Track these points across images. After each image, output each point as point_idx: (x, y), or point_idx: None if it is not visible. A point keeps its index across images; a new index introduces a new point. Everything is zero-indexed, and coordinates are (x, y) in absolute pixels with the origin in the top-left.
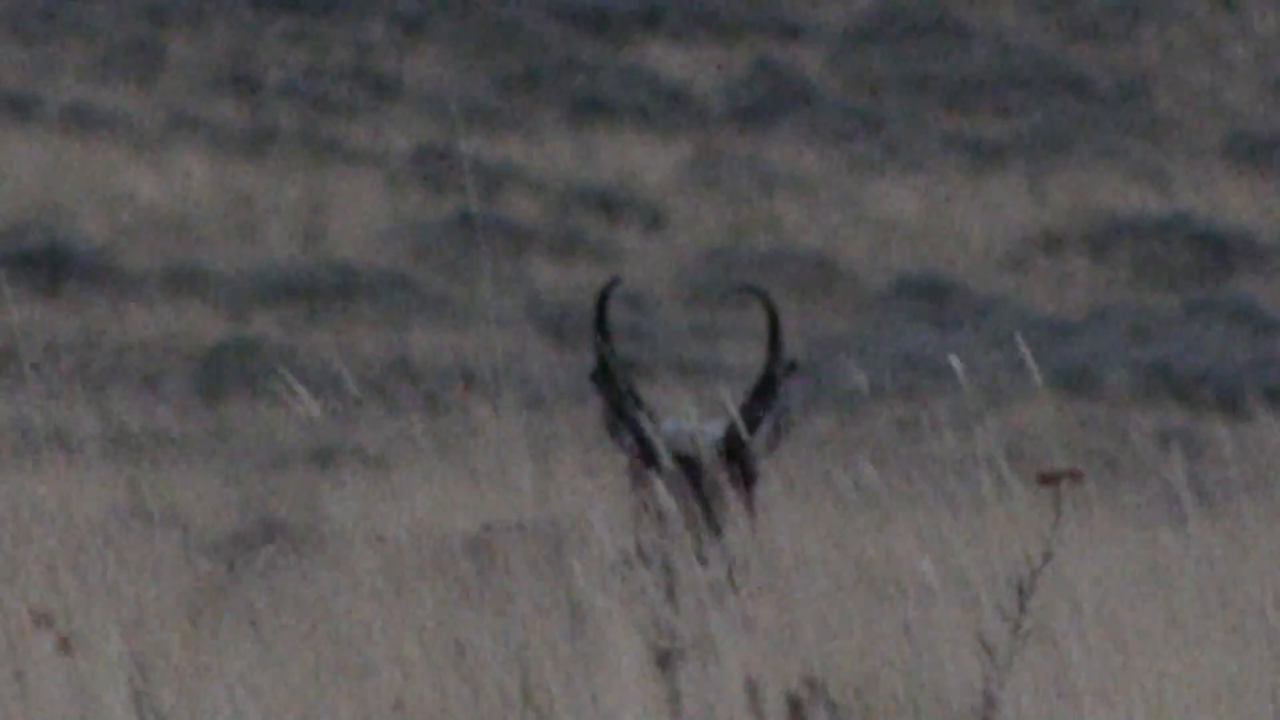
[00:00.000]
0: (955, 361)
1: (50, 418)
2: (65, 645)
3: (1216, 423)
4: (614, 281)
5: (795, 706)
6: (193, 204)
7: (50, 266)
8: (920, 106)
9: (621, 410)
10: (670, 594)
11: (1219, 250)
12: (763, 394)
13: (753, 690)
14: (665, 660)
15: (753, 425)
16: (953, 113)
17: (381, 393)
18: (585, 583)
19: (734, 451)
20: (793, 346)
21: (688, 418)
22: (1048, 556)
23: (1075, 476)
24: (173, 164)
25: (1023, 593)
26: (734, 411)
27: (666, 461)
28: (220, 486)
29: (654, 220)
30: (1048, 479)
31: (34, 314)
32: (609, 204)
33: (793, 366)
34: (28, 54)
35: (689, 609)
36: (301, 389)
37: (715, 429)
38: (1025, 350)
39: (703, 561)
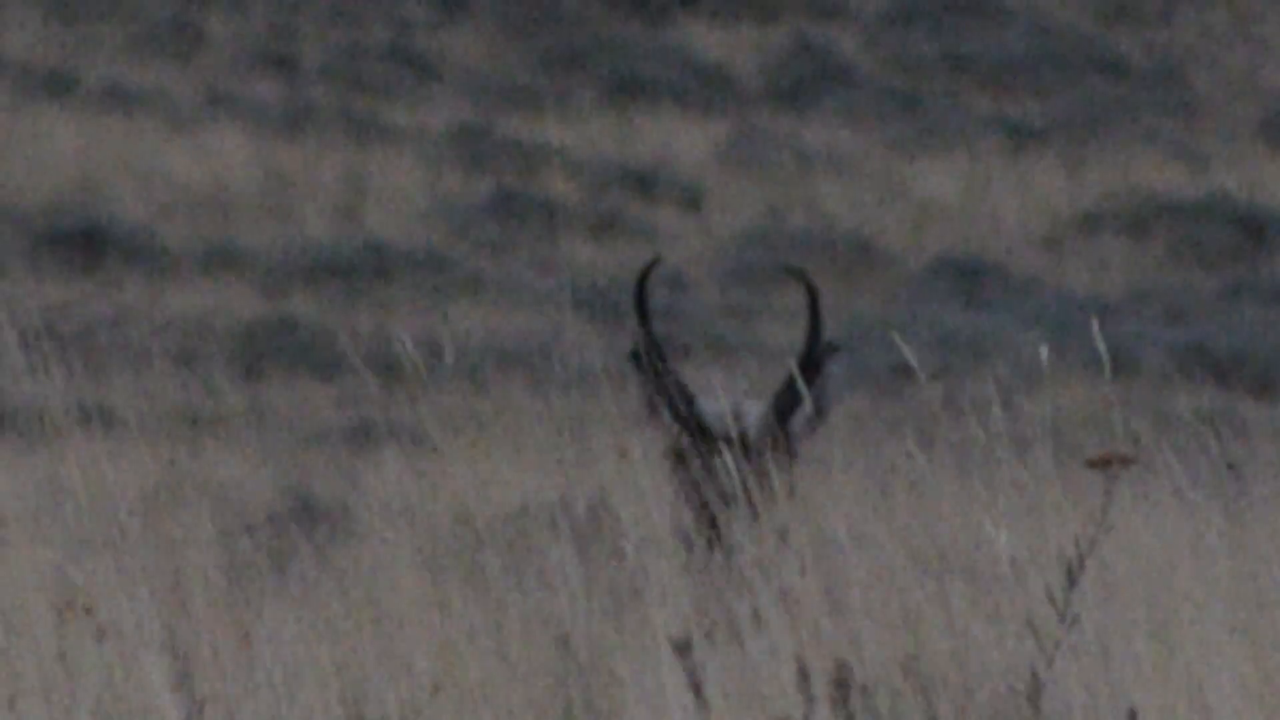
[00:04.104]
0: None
1: (88, 396)
2: (102, 633)
3: (1252, 403)
4: (655, 261)
5: (842, 686)
6: (230, 183)
7: (88, 245)
8: (958, 87)
9: (660, 391)
10: (718, 572)
11: (1256, 230)
12: (804, 373)
13: (803, 671)
14: (682, 646)
15: (794, 405)
16: (990, 93)
17: (419, 372)
18: (636, 560)
19: (775, 431)
20: (830, 326)
21: (723, 399)
22: (1095, 540)
23: (1125, 461)
24: (211, 143)
25: (1071, 575)
26: (795, 386)
27: (715, 433)
28: (258, 465)
29: (692, 200)
30: (1097, 463)
31: (71, 293)
32: (647, 184)
33: (832, 347)
34: (67, 32)
35: (735, 588)
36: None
37: (755, 409)
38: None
39: (737, 543)
